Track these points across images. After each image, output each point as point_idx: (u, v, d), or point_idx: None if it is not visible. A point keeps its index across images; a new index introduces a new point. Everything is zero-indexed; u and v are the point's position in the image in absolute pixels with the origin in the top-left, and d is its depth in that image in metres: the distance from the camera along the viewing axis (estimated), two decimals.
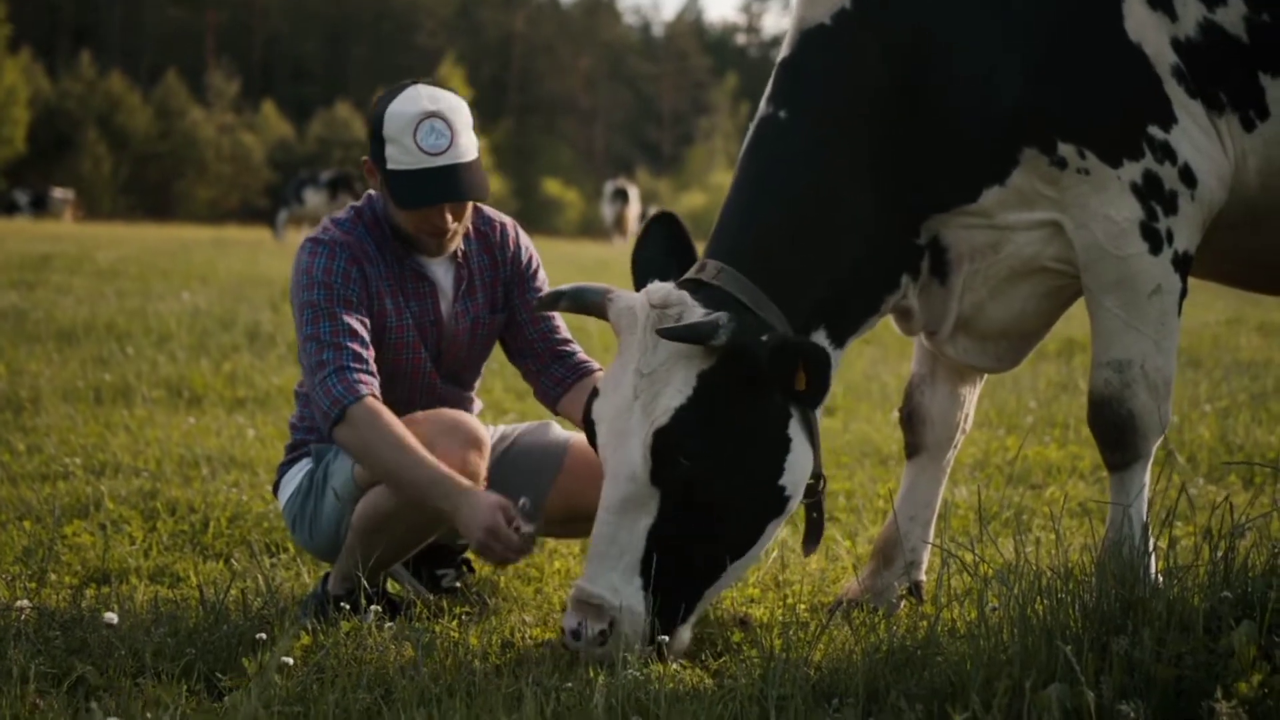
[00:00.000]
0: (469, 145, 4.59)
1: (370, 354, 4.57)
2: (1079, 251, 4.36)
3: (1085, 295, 4.45)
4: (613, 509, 4.12)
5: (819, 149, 4.35)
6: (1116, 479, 4.51)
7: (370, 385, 4.48)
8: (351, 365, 4.49)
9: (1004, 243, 4.45)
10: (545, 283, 4.97)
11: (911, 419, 4.93)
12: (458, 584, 4.98)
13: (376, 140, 4.60)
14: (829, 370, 4.12)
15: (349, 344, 4.52)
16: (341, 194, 36.66)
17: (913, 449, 4.94)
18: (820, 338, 4.37)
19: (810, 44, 4.42)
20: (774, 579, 5.13)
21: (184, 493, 6.22)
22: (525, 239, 4.96)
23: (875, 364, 11.50)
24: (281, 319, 12.74)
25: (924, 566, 4.90)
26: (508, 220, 4.95)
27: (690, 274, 4.29)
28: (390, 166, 4.56)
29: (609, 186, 41.33)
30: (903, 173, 4.36)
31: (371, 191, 4.79)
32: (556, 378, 4.95)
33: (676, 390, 4.09)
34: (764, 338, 4.09)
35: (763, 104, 4.46)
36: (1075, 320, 14.97)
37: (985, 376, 5.02)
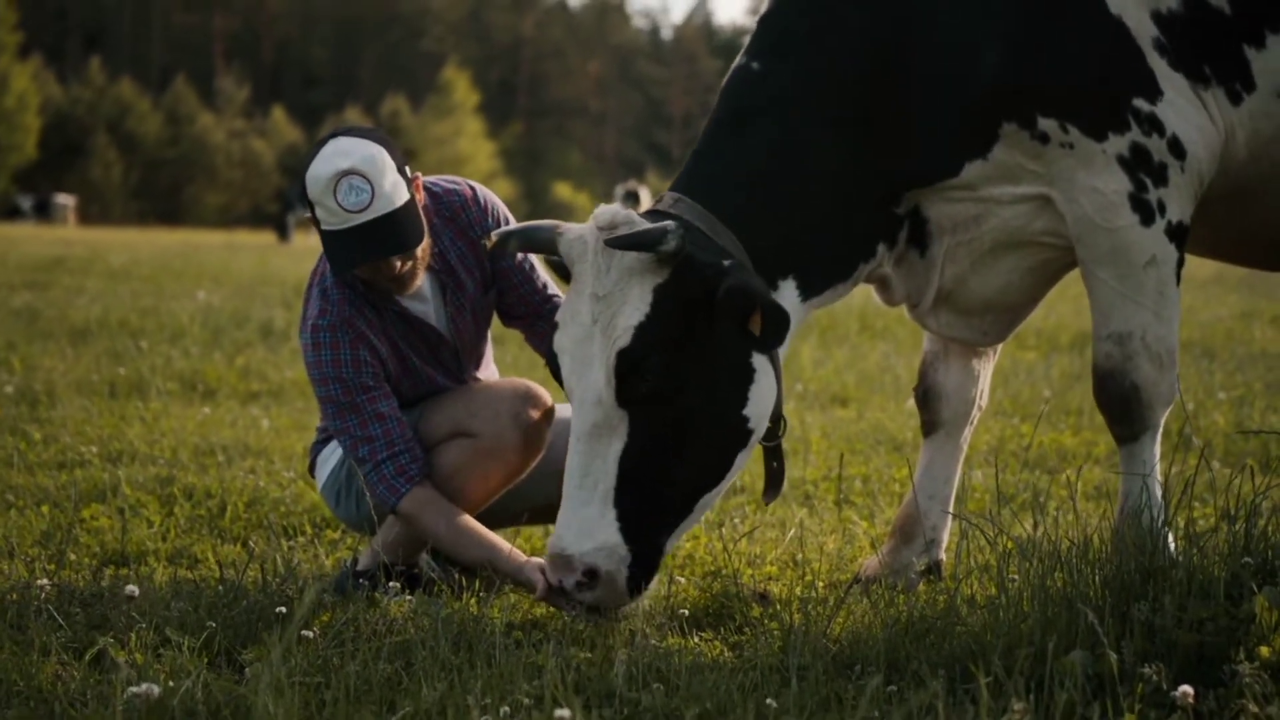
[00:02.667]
0: (393, 193, 4.48)
1: (403, 428, 4.61)
2: (1070, 225, 4.35)
3: (1081, 269, 4.44)
4: (582, 436, 4.11)
5: (791, 102, 4.35)
6: (1126, 451, 4.50)
7: (409, 473, 4.57)
8: (386, 459, 4.57)
9: (988, 215, 4.44)
10: None
11: (927, 396, 4.93)
12: None
13: (308, 202, 4.55)
14: (785, 326, 4.10)
15: (379, 433, 4.58)
16: None
17: (929, 426, 4.94)
18: (789, 289, 4.35)
19: (791, 1, 4.43)
20: (791, 557, 5.13)
21: (200, 479, 6.23)
22: (491, 200, 4.90)
23: (888, 356, 11.50)
24: (294, 315, 12.75)
25: (944, 544, 4.89)
26: (465, 188, 4.87)
27: (649, 206, 4.31)
28: (323, 228, 4.52)
29: (620, 189, 41.39)
30: (882, 140, 4.35)
31: None
32: (544, 334, 4.96)
33: (633, 308, 4.08)
34: (726, 263, 4.09)
35: (740, 56, 4.48)
36: (1087, 314, 14.99)
37: (999, 351, 5.02)
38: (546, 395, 4.75)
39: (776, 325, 4.09)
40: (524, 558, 4.43)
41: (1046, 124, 4.28)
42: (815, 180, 4.33)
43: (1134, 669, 3.41)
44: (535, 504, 4.88)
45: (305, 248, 31.26)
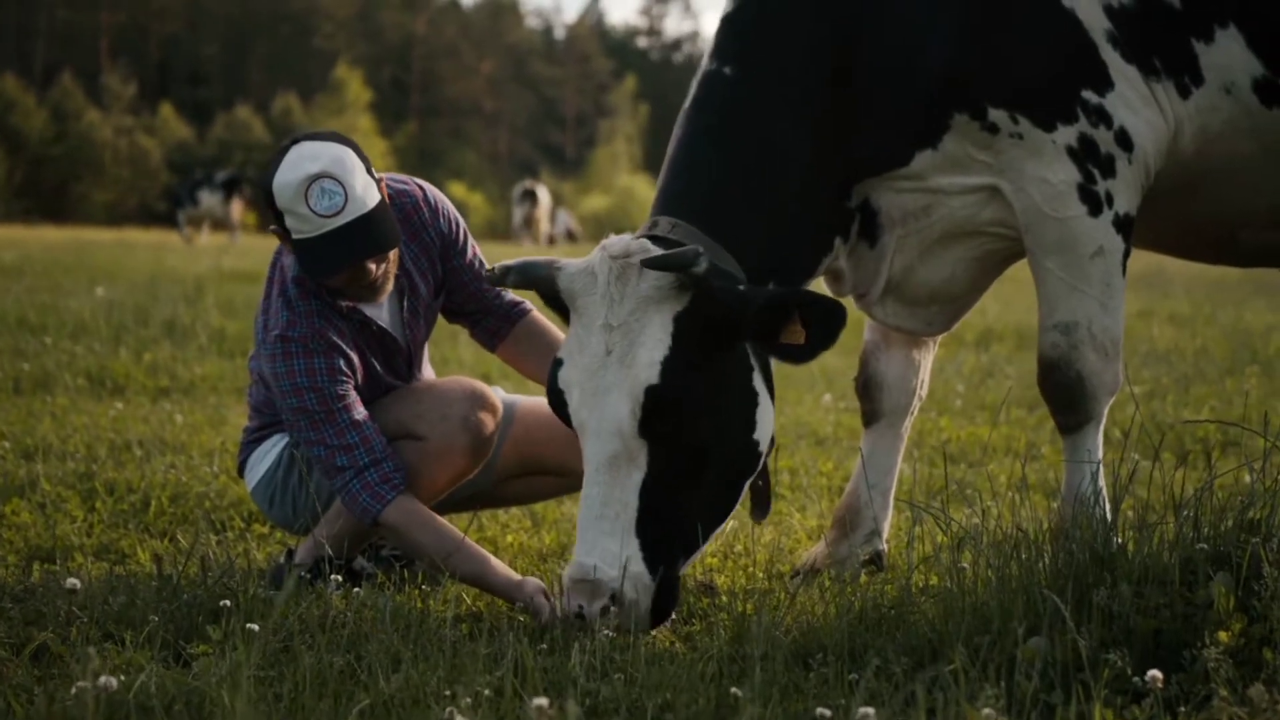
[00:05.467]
0: (365, 194, 4.37)
1: (379, 434, 4.48)
2: (1019, 215, 4.36)
3: (1029, 259, 4.46)
4: (602, 468, 4.00)
5: (763, 106, 4.31)
6: (1070, 441, 4.52)
7: (393, 481, 4.43)
8: (368, 465, 4.43)
9: (936, 206, 4.44)
10: (470, 243, 4.85)
11: (868, 386, 4.93)
12: (397, 553, 4.90)
13: (275, 212, 4.40)
14: (842, 321, 4.01)
15: (357, 441, 4.44)
16: (236, 195, 36.33)
17: (870, 416, 4.94)
18: None
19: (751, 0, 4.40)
20: (729, 548, 5.11)
21: (120, 474, 6.10)
22: (440, 200, 4.80)
23: None
24: (198, 313, 12.57)
25: (885, 534, 4.89)
26: (414, 188, 4.77)
27: (641, 232, 4.23)
28: (295, 237, 4.38)
29: (518, 189, 41.27)
30: (838, 134, 4.33)
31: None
32: (491, 329, 4.94)
33: (656, 340, 3.99)
34: (740, 287, 4.04)
35: (705, 59, 4.43)
36: (991, 312, 15.13)
37: (939, 341, 5.03)
38: (494, 396, 4.68)
39: (830, 323, 4.01)
40: (516, 576, 4.33)
41: (996, 115, 4.29)
42: (790, 184, 4.31)
43: (1096, 655, 3.41)
44: (481, 490, 4.84)
45: (206, 248, 30.83)
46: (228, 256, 24.03)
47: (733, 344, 4.06)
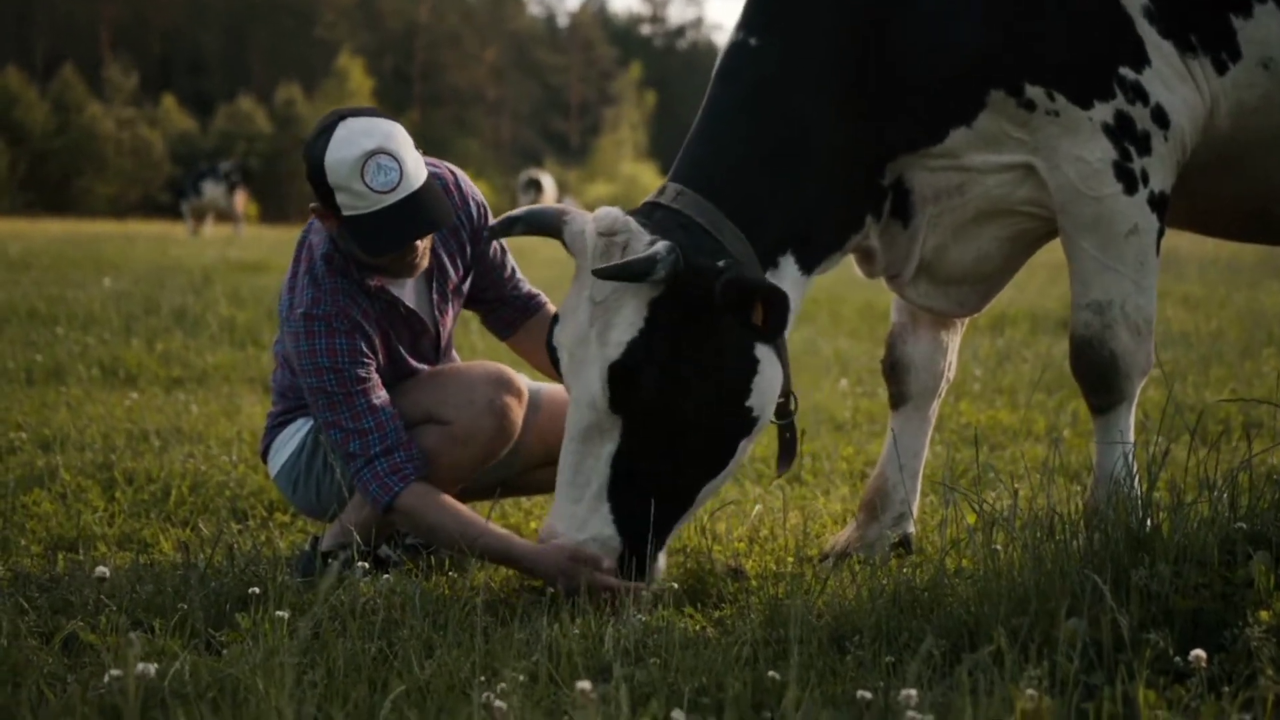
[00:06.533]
0: (418, 169, 4.37)
1: (396, 421, 4.45)
2: (1053, 193, 4.34)
3: (1061, 237, 4.43)
4: (576, 437, 4.13)
5: (789, 79, 4.29)
6: (1101, 421, 4.49)
7: (403, 471, 4.41)
8: (379, 454, 4.41)
9: (971, 184, 4.41)
10: None
11: (895, 369, 4.90)
12: (420, 540, 4.88)
13: (321, 188, 4.34)
14: (787, 309, 4.08)
15: (372, 426, 4.42)
16: (240, 187, 36.29)
17: (898, 399, 4.91)
18: (789, 264, 4.31)
19: None
20: (755, 533, 5.09)
21: (139, 463, 6.08)
22: (469, 186, 4.81)
23: (812, 339, 11.51)
24: (207, 302, 12.55)
25: (913, 518, 4.87)
26: (446, 172, 4.76)
27: (650, 197, 4.26)
28: (347, 214, 4.34)
29: (523, 177, 41.23)
30: (871, 110, 4.31)
31: (328, 232, 4.55)
32: (506, 319, 4.95)
33: (628, 323, 4.06)
34: (720, 263, 4.05)
35: (733, 30, 4.42)
36: (1004, 296, 15.13)
37: (966, 322, 5.00)
38: (520, 380, 4.66)
39: (779, 311, 4.06)
40: (530, 544, 4.31)
41: (1033, 91, 4.26)
42: (813, 156, 4.29)
43: (1137, 636, 3.39)
44: (506, 477, 4.82)
45: (211, 240, 30.81)
46: (233, 247, 24.03)
47: (718, 318, 4.09)
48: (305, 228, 4.70)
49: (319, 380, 4.45)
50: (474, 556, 4.38)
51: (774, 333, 4.12)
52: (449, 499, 4.43)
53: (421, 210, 4.34)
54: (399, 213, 4.31)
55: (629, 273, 3.98)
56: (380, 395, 4.48)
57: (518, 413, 4.61)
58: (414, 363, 4.70)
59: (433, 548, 4.82)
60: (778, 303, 4.06)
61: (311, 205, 4.42)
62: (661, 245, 4.00)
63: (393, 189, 4.29)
